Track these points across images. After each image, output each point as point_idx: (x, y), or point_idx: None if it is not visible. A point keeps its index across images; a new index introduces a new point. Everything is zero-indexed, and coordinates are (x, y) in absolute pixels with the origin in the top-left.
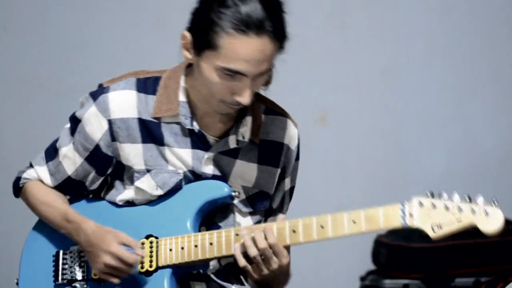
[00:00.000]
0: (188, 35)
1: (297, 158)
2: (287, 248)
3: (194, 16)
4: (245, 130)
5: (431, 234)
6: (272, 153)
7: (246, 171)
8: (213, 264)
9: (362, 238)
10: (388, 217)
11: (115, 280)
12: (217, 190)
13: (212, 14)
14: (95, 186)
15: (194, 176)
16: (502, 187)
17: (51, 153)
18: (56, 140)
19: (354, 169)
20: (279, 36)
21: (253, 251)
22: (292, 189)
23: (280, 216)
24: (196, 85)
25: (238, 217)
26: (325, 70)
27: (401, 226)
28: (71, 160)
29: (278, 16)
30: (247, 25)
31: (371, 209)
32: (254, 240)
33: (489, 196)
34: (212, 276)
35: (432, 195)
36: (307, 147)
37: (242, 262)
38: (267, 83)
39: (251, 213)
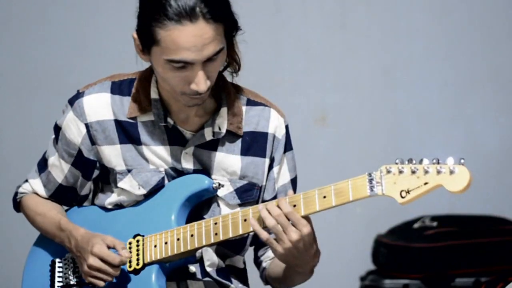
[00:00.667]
0: (136, 36)
1: (290, 148)
2: (307, 218)
3: (137, 17)
4: (221, 122)
5: (399, 200)
6: (257, 144)
7: (229, 163)
8: (212, 260)
9: (362, 238)
10: (357, 188)
11: (101, 283)
12: (198, 183)
13: (148, 12)
14: (85, 191)
15: (176, 172)
16: (502, 187)
17: (42, 165)
18: (45, 152)
19: (354, 169)
20: (216, 16)
21: (270, 221)
22: (293, 181)
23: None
24: (160, 82)
25: (226, 209)
26: (325, 70)
27: (369, 196)
28: (58, 168)
29: None
30: (178, 14)
31: (340, 182)
32: (268, 211)
33: (489, 195)
34: (211, 272)
35: (402, 162)
36: (307, 147)
37: (264, 234)
38: (235, 69)
39: (239, 205)
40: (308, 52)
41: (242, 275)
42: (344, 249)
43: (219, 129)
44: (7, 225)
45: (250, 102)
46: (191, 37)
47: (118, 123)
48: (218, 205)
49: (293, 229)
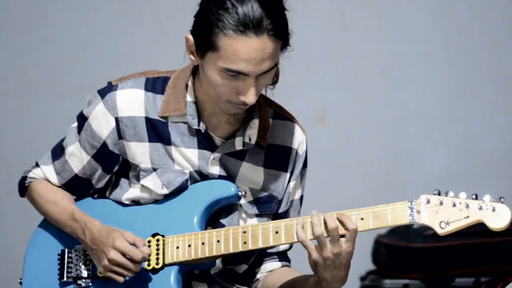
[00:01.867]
0: (191, 38)
1: (305, 165)
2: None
3: (196, 18)
4: (252, 133)
5: (439, 231)
6: (280, 158)
7: (253, 174)
8: (216, 265)
9: (362, 238)
10: (396, 215)
11: (120, 279)
12: (224, 189)
13: (211, 16)
14: (101, 184)
15: (201, 176)
16: (502, 187)
17: (58, 152)
18: (63, 140)
19: (354, 169)
20: (279, 33)
21: (318, 229)
22: (301, 198)
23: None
24: (203, 89)
25: (243, 217)
26: (325, 70)
27: (409, 223)
28: (77, 158)
29: (277, 13)
30: (245, 25)
31: (379, 206)
32: (324, 221)
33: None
34: (214, 276)
35: (439, 193)
36: (307, 148)
37: (301, 235)
38: (273, 82)
39: (257, 215)
40: (308, 52)
41: (243, 278)
42: None
43: (250, 140)
44: (7, 225)
45: (276, 116)
46: (253, 50)
47: (149, 120)
48: (238, 213)
49: (339, 243)
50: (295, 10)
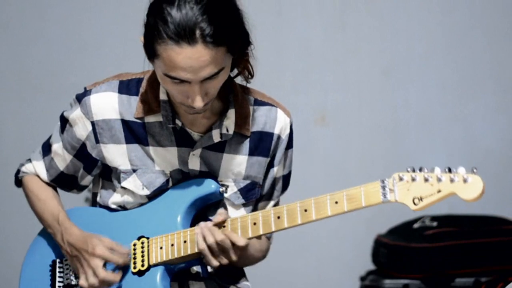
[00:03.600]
0: (142, 41)
1: (290, 146)
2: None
3: (144, 26)
4: (229, 123)
5: (412, 207)
6: (263, 144)
7: (235, 164)
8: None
9: (362, 238)
10: (369, 195)
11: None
12: (205, 187)
13: (152, 25)
14: (85, 182)
15: (182, 174)
16: (502, 187)
17: (46, 148)
18: (50, 136)
19: (354, 169)
20: (217, 41)
21: (211, 240)
22: (286, 177)
23: (221, 210)
24: None
25: (231, 210)
26: (325, 70)
27: (382, 202)
28: (61, 157)
29: (214, 19)
30: (178, 35)
31: (352, 188)
32: (203, 236)
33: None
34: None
35: (413, 170)
36: (307, 147)
37: (206, 252)
38: (246, 78)
39: (244, 205)
40: (308, 52)
41: (239, 273)
42: (344, 249)
43: (227, 130)
44: (7, 225)
45: (257, 102)
46: (187, 59)
47: (124, 122)
48: (225, 207)
49: (227, 254)
50: (295, 10)
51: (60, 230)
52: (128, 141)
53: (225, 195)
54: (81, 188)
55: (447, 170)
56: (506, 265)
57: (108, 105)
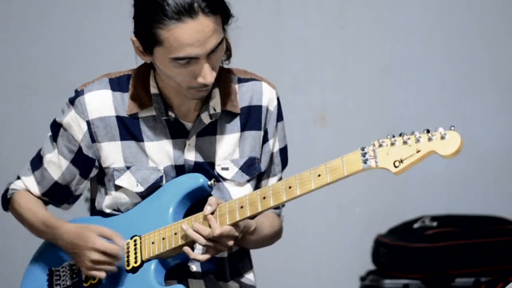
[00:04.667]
0: (135, 39)
1: (280, 118)
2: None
3: (135, 20)
4: (215, 102)
5: (393, 170)
6: (252, 117)
7: (229, 145)
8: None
9: (362, 238)
10: (350, 163)
11: (103, 274)
12: (192, 182)
13: (146, 14)
14: (80, 191)
15: (176, 169)
16: (502, 187)
17: (36, 162)
18: (40, 150)
19: None
20: (213, 9)
21: (202, 241)
22: (282, 150)
23: (212, 198)
24: (163, 79)
25: (238, 189)
26: (325, 70)
27: (363, 169)
28: (56, 165)
29: None
30: (178, 13)
31: (334, 160)
32: (198, 232)
33: (489, 195)
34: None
35: (393, 136)
36: (307, 147)
37: (202, 256)
38: (228, 57)
39: (248, 181)
40: (308, 52)
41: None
42: (344, 249)
43: (214, 110)
44: (7, 225)
45: (241, 80)
46: (193, 33)
47: (119, 119)
48: (226, 189)
49: (225, 241)
50: (295, 10)
51: (53, 233)
52: (123, 138)
53: (228, 177)
54: (72, 201)
55: (425, 131)
56: (506, 265)
57: (103, 102)
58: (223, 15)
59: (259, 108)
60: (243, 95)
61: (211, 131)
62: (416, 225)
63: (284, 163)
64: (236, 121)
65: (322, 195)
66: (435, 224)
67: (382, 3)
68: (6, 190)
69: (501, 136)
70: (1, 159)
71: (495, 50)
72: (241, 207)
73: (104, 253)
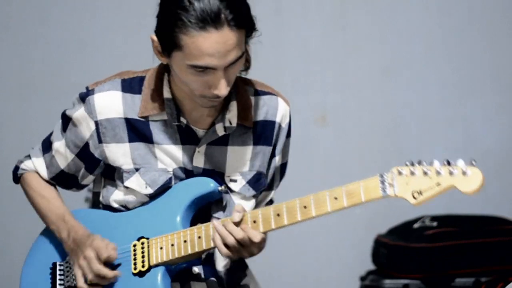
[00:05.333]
0: (155, 38)
1: (289, 135)
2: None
3: (157, 19)
4: (231, 116)
5: (412, 201)
6: (266, 133)
7: (240, 157)
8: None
9: (362, 238)
10: (369, 190)
11: (80, 282)
12: (203, 186)
13: (171, 16)
14: (86, 181)
15: (185, 172)
16: (502, 187)
17: (47, 145)
18: (51, 134)
19: (354, 169)
20: (239, 23)
21: (230, 240)
22: (283, 165)
23: (238, 207)
24: (177, 83)
25: (242, 202)
26: (325, 70)
27: (382, 197)
28: (62, 155)
29: (236, 2)
30: (203, 21)
31: (352, 184)
32: (230, 231)
33: (489, 195)
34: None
35: (412, 164)
36: (307, 147)
37: (224, 251)
38: (246, 68)
39: (254, 196)
40: (308, 52)
41: (241, 274)
42: (344, 249)
43: (230, 123)
44: (7, 225)
45: (257, 92)
46: (215, 44)
47: (128, 121)
48: (233, 201)
49: (251, 246)
50: (295, 10)
51: (66, 228)
52: (131, 140)
53: (236, 189)
54: (81, 187)
55: (445, 162)
56: (506, 265)
57: (112, 104)
58: (248, 29)
59: (272, 123)
60: (258, 108)
61: (223, 141)
62: (416, 225)
63: (282, 176)
64: (249, 134)
65: None
66: (435, 224)
67: (383, 4)
68: (17, 168)
69: (501, 136)
70: (1, 159)
71: (496, 50)
72: (254, 221)
73: (96, 252)
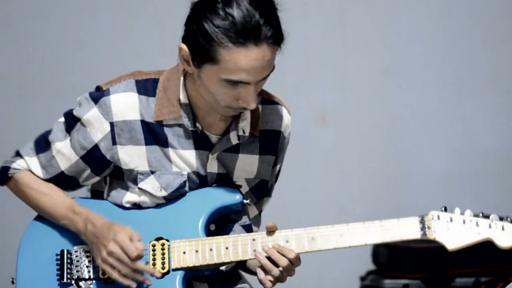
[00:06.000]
0: (185, 48)
1: (288, 142)
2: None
3: (188, 28)
4: (245, 125)
5: (450, 247)
6: (271, 142)
7: (248, 164)
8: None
9: None
10: (407, 229)
11: (114, 274)
12: (230, 197)
13: (206, 28)
14: (88, 183)
15: (199, 177)
16: (502, 187)
17: (42, 145)
18: (48, 133)
19: (354, 169)
20: (277, 40)
21: (276, 272)
22: (279, 171)
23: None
24: (196, 89)
25: (245, 210)
26: (325, 70)
27: (420, 238)
28: (65, 156)
29: (272, 17)
30: (244, 37)
31: (388, 220)
32: (274, 262)
33: (489, 195)
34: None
35: (445, 209)
36: (307, 147)
37: (261, 275)
38: None
39: (255, 203)
40: (308, 52)
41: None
42: (344, 249)
43: (243, 132)
44: (7, 225)
45: (265, 101)
46: (254, 61)
47: (144, 124)
48: (246, 211)
49: (293, 269)
50: (295, 10)
51: (80, 220)
52: (148, 142)
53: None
54: (77, 189)
55: (481, 215)
56: (506, 265)
57: (129, 105)
58: (281, 45)
59: (277, 133)
60: (265, 117)
61: (235, 149)
62: None
63: (276, 182)
64: (256, 143)
65: (322, 195)
66: None
67: (383, 4)
68: (7, 168)
69: (501, 136)
70: (1, 159)
71: (495, 50)
72: (287, 241)
73: (122, 249)
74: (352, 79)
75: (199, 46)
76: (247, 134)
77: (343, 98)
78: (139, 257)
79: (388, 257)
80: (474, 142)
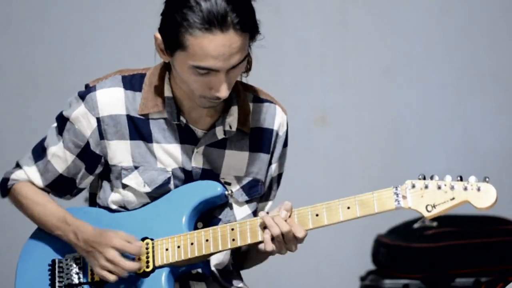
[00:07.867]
0: (159, 36)
1: (285, 144)
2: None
3: (162, 17)
4: (232, 120)
5: (425, 214)
6: (263, 140)
7: (236, 161)
8: (220, 260)
9: (362, 238)
10: (382, 201)
11: (113, 278)
12: (210, 189)
13: (176, 15)
14: (84, 184)
15: (184, 172)
16: (502, 187)
17: (39, 152)
18: (43, 140)
19: (354, 169)
20: (245, 27)
21: (276, 231)
22: (280, 175)
23: (261, 213)
24: (177, 82)
25: (236, 207)
26: (325, 70)
27: (395, 208)
28: (61, 158)
29: (242, 5)
30: (209, 23)
31: (365, 194)
32: (277, 224)
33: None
34: (215, 271)
35: (424, 178)
36: (307, 147)
37: (269, 246)
38: (247, 70)
39: (247, 202)
40: (308, 52)
41: (234, 275)
42: (344, 249)
43: (230, 127)
44: (7, 225)
45: (256, 99)
46: (220, 47)
47: (130, 118)
48: (231, 205)
49: (294, 242)
50: (295, 10)
51: (71, 230)
52: (132, 137)
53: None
54: (75, 193)
55: (458, 178)
56: (506, 265)
57: (115, 100)
58: (252, 33)
59: (270, 131)
60: (256, 115)
61: (221, 144)
62: (416, 225)
63: (278, 187)
64: (246, 140)
65: (322, 195)
66: (435, 224)
67: (383, 3)
68: (6, 179)
69: (501, 136)
70: (1, 159)
71: (495, 50)
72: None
73: (122, 252)
74: (352, 79)
75: (170, 33)
76: (234, 129)
77: (343, 98)
78: (139, 254)
79: (388, 257)
80: (474, 142)
